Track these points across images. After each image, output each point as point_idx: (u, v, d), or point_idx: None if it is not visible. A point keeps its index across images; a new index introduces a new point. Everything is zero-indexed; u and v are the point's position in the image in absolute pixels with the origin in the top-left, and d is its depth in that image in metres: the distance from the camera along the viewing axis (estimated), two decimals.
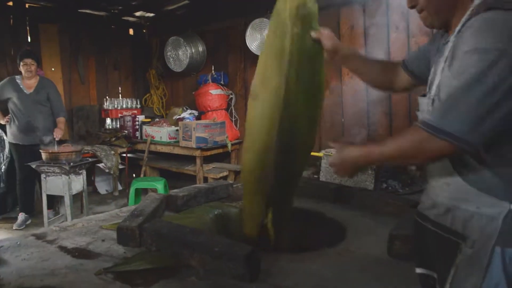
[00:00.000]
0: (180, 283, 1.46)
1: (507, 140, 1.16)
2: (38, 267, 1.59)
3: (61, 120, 4.87)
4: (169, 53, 6.48)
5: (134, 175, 6.73)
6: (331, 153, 3.42)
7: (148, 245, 1.71)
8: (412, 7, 1.37)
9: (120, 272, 1.54)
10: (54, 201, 4.94)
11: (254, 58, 5.82)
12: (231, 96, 6.23)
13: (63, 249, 1.78)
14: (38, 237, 1.92)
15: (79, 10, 6.34)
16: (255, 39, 5.45)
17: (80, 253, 1.73)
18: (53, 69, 6.22)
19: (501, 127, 1.11)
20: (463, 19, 1.24)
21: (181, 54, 6.35)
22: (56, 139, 4.62)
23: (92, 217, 2.26)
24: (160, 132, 5.97)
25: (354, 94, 5.03)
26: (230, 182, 2.77)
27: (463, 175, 1.23)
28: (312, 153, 3.83)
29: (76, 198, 4.77)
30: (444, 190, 1.29)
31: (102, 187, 6.64)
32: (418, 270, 1.38)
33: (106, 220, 2.18)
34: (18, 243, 1.83)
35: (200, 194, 2.41)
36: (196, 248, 1.54)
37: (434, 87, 1.31)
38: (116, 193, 6.49)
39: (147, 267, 1.56)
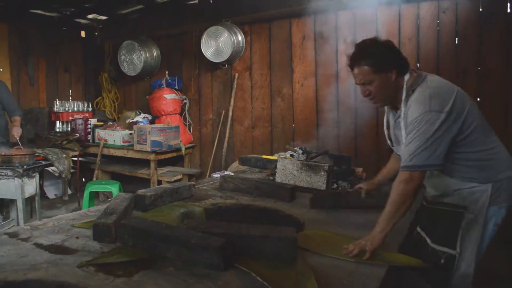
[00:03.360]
0: (159, 272, 1.59)
1: (467, 150, 2.02)
2: (18, 263, 1.66)
3: (17, 119, 4.79)
4: (123, 57, 6.48)
5: (83, 179, 6.66)
6: (286, 156, 3.64)
7: (125, 240, 1.83)
8: (366, 96, 2.13)
9: (101, 265, 1.65)
10: (3, 206, 4.82)
11: (208, 64, 5.98)
12: (185, 101, 6.34)
13: (39, 246, 1.85)
14: (11, 235, 1.98)
15: (30, 10, 6.21)
16: (210, 46, 5.60)
17: (57, 249, 1.82)
18: (1, 69, 6.05)
19: (449, 148, 1.95)
20: (403, 97, 2.08)
21: (135, 58, 6.37)
22: (17, 137, 4.54)
23: (62, 216, 2.32)
24: (114, 136, 5.97)
25: (304, 102, 5.31)
26: (193, 183, 2.90)
27: (453, 177, 2.09)
28: (267, 157, 4.05)
29: (25, 203, 4.68)
30: (447, 185, 2.12)
31: (51, 191, 6.51)
32: (418, 230, 2.18)
33: (76, 219, 2.26)
34: None
35: (166, 194, 2.54)
36: (173, 241, 1.68)
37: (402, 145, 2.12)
38: (66, 198, 6.39)
39: (127, 260, 1.68)
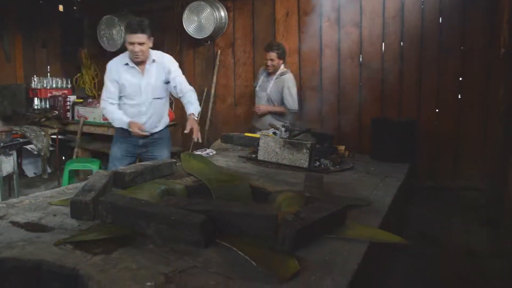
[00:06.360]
0: (138, 250, 1.56)
1: None
2: None
3: None
4: (102, 32, 6.30)
5: (63, 157, 6.54)
6: (268, 134, 3.62)
7: (103, 218, 1.79)
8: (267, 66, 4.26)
9: (79, 242, 1.61)
10: None
11: (190, 40, 5.87)
12: None
13: (15, 224, 1.81)
14: None
15: None
16: (192, 22, 5.49)
17: (33, 227, 1.77)
18: None
19: None
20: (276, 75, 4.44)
21: (115, 34, 6.21)
22: None
23: (39, 194, 2.27)
24: (94, 113, 5.85)
25: None
26: (174, 160, 2.86)
27: None
28: (250, 135, 4.02)
29: (3, 181, 4.58)
30: None
31: (30, 169, 6.39)
32: None
33: (54, 197, 2.21)
34: None
35: (146, 171, 2.49)
36: (153, 218, 1.65)
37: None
38: (45, 176, 6.27)
39: (105, 237, 1.65)
